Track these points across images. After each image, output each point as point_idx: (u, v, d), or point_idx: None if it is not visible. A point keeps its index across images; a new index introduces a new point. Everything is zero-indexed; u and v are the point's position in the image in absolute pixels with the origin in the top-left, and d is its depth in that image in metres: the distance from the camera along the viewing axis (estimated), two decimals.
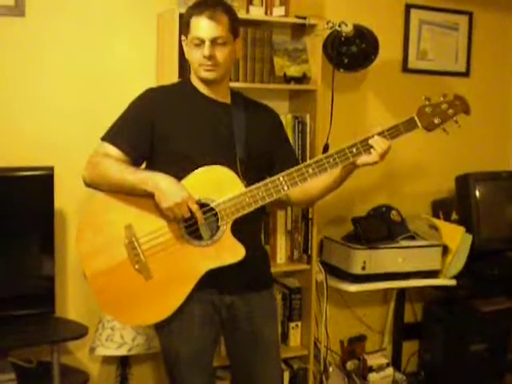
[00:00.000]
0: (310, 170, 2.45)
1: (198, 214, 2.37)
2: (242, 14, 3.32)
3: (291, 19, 3.47)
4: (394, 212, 3.84)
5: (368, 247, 3.58)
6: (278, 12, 3.42)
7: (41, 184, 3.08)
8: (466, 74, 4.31)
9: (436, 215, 4.12)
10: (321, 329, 3.73)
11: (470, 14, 4.27)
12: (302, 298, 3.60)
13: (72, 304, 3.36)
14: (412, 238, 3.78)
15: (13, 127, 3.23)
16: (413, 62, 4.15)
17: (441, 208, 4.15)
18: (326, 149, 3.45)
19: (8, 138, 3.21)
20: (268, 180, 2.45)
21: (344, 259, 3.62)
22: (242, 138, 2.53)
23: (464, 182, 3.98)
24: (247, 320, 2.59)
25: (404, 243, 3.71)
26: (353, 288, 3.59)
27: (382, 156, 2.46)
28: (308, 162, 2.48)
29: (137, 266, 2.42)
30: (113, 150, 2.47)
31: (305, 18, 3.44)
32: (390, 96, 4.10)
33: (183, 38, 2.55)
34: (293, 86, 3.49)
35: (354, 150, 2.45)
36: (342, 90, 3.74)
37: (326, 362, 3.77)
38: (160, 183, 2.35)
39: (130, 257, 2.42)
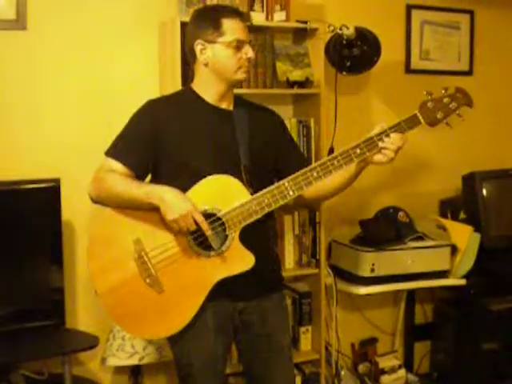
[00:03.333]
0: (315, 174, 2.44)
1: (204, 225, 2.36)
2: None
3: (292, 24, 3.47)
4: (401, 213, 3.83)
5: (376, 249, 3.57)
6: (278, 17, 3.42)
7: (47, 196, 3.09)
8: (469, 72, 4.30)
9: (444, 215, 4.12)
10: (331, 332, 3.72)
11: (472, 13, 4.27)
12: (311, 303, 3.59)
13: (82, 315, 3.36)
14: (420, 238, 3.77)
15: (17, 140, 3.24)
16: (415, 63, 4.15)
17: (448, 207, 4.14)
18: (331, 152, 3.45)
19: (13, 151, 3.22)
20: (273, 186, 2.44)
21: (353, 262, 3.62)
22: (246, 145, 2.52)
23: (471, 181, 3.97)
24: (260, 323, 2.58)
25: (412, 244, 3.69)
26: (362, 290, 3.58)
27: (396, 153, 2.44)
28: (313, 165, 2.47)
29: (148, 281, 2.41)
30: (117, 165, 2.46)
31: (306, 23, 3.44)
32: (394, 97, 4.09)
33: (200, 41, 2.49)
34: (296, 91, 3.49)
35: (358, 150, 2.44)
36: (345, 93, 3.74)
37: (337, 365, 3.76)
38: (164, 196, 2.34)
39: (141, 271, 2.41)
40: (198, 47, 2.50)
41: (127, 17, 3.39)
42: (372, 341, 4.09)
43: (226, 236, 2.42)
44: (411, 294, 4.08)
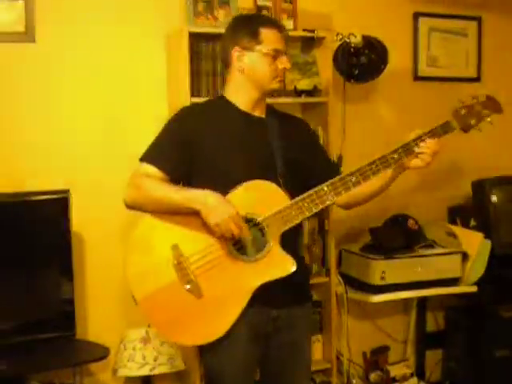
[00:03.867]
0: (354, 179, 2.45)
1: (246, 232, 2.37)
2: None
3: (300, 32, 3.48)
4: (411, 221, 3.83)
5: (386, 257, 3.56)
6: (286, 26, 3.40)
7: (57, 208, 3.09)
8: (477, 79, 4.30)
9: (453, 222, 4.10)
10: (342, 341, 3.71)
11: (479, 19, 4.27)
12: (322, 311, 3.58)
13: (92, 326, 3.36)
14: (430, 246, 3.76)
15: (26, 152, 3.25)
16: (423, 70, 4.15)
17: (457, 214, 4.13)
18: (340, 160, 3.45)
19: (22, 163, 3.23)
20: (312, 191, 2.44)
21: (363, 270, 3.61)
22: (280, 152, 2.53)
23: (480, 188, 3.96)
24: (288, 330, 2.56)
25: (422, 252, 3.69)
26: (373, 299, 3.57)
27: (433, 157, 2.49)
28: (351, 170, 2.48)
29: (188, 287, 2.39)
30: (153, 171, 2.46)
31: (313, 31, 3.46)
32: (402, 105, 4.09)
33: (238, 48, 2.50)
34: (304, 99, 3.50)
35: (396, 155, 2.48)
36: (353, 101, 3.75)
37: (349, 374, 3.75)
38: (207, 200, 2.34)
39: (180, 277, 2.40)
40: (235, 54, 2.51)
41: (135, 28, 3.40)
42: (383, 349, 4.07)
43: (266, 241, 2.42)
44: (422, 301, 4.07)
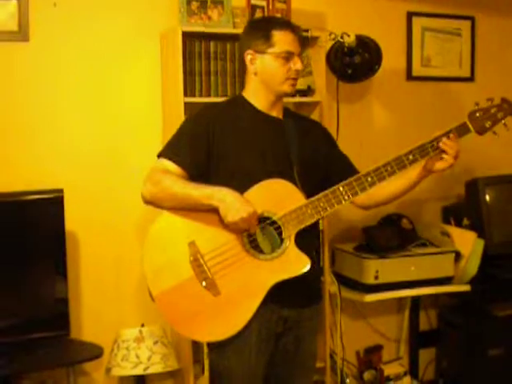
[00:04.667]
0: (369, 179, 2.48)
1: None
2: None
3: None
4: (404, 220, 3.84)
5: (380, 256, 3.57)
6: None
7: (51, 207, 3.09)
8: (470, 78, 4.31)
9: (447, 221, 4.11)
10: (336, 340, 3.72)
11: (472, 19, 4.28)
12: None
13: (86, 325, 3.36)
14: (424, 245, 3.77)
15: (20, 151, 3.25)
16: (417, 70, 4.15)
17: (451, 214, 4.13)
18: None
19: (16, 163, 3.23)
20: (328, 191, 2.47)
21: (356, 269, 3.61)
22: (297, 152, 2.56)
23: (473, 187, 3.97)
24: (295, 330, 2.58)
25: (416, 251, 3.69)
26: (366, 298, 3.58)
27: (456, 157, 2.52)
28: (367, 170, 2.51)
29: (204, 283, 2.41)
30: (172, 167, 2.48)
31: (307, 31, 3.45)
32: (396, 104, 4.10)
33: (251, 51, 2.54)
34: (298, 99, 3.50)
35: (411, 156, 2.50)
36: (347, 101, 3.75)
37: (342, 373, 3.75)
38: (226, 197, 2.37)
39: (197, 274, 2.42)
40: (248, 57, 2.55)
41: (129, 28, 3.40)
42: (377, 348, 4.08)
43: (282, 239, 2.44)
44: (416, 300, 4.08)
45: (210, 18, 3.31)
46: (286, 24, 2.57)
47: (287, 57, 2.51)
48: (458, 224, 4.02)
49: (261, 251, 2.44)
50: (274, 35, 2.50)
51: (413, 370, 4.11)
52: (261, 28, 2.56)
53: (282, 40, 2.50)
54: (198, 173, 2.51)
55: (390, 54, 3.78)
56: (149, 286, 2.44)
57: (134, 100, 3.41)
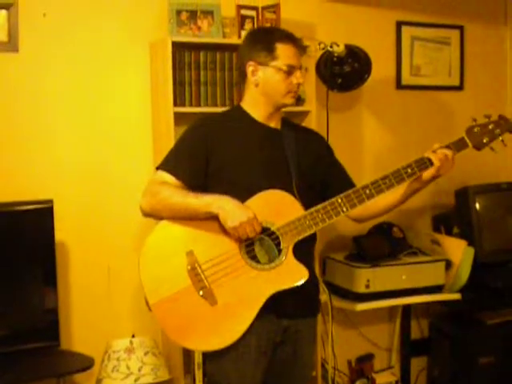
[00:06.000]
0: (368, 191, 2.50)
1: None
2: (233, 40, 3.36)
3: None
4: (395, 229, 3.84)
5: (371, 265, 3.57)
6: None
7: (40, 217, 3.08)
8: (459, 87, 4.33)
9: (437, 230, 4.12)
10: (327, 349, 3.71)
11: (461, 28, 4.30)
12: None
13: (77, 336, 3.35)
14: (414, 253, 3.77)
15: (9, 162, 3.24)
16: (406, 79, 4.17)
17: (442, 222, 4.14)
18: None
19: (5, 173, 3.22)
20: (327, 202, 2.49)
21: (347, 278, 3.61)
22: (295, 163, 2.57)
23: (464, 195, 3.98)
24: (293, 341, 2.58)
25: (407, 259, 3.70)
26: (358, 307, 3.58)
27: (441, 161, 2.51)
28: (365, 183, 2.52)
29: (201, 293, 2.41)
30: (170, 179, 2.50)
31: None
32: (386, 113, 4.11)
33: (253, 63, 2.55)
34: (288, 108, 3.48)
35: (409, 170, 2.53)
36: (336, 110, 3.76)
37: (334, 382, 3.74)
38: (226, 204, 2.39)
39: (194, 283, 2.42)
40: (249, 68, 2.56)
41: (118, 38, 3.40)
42: (368, 357, 4.08)
43: (280, 250, 2.44)
44: (407, 309, 4.08)
45: (199, 28, 3.32)
46: (289, 37, 2.57)
47: (290, 70, 2.52)
48: (449, 232, 4.03)
49: (258, 261, 2.44)
50: (277, 48, 2.52)
51: (404, 379, 4.11)
52: (263, 40, 2.56)
53: (285, 53, 2.52)
54: (197, 185, 2.52)
55: (379, 63, 3.79)
56: (146, 294, 2.44)
57: (124, 110, 3.41)
